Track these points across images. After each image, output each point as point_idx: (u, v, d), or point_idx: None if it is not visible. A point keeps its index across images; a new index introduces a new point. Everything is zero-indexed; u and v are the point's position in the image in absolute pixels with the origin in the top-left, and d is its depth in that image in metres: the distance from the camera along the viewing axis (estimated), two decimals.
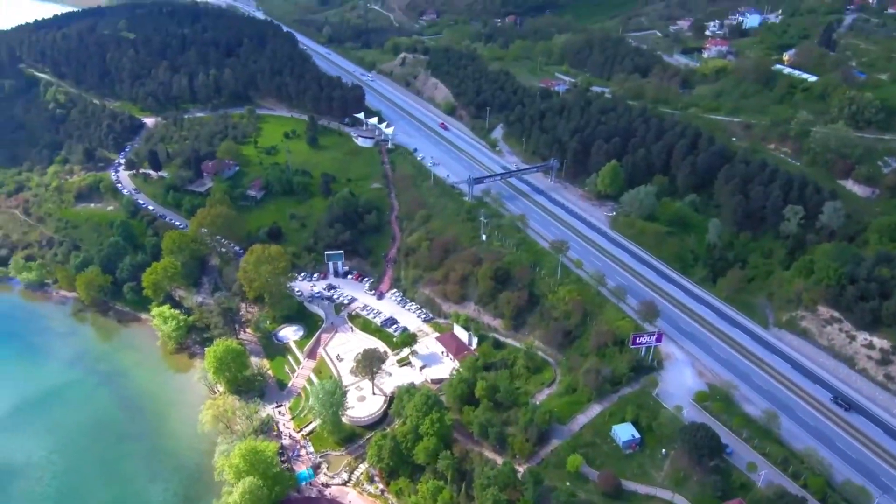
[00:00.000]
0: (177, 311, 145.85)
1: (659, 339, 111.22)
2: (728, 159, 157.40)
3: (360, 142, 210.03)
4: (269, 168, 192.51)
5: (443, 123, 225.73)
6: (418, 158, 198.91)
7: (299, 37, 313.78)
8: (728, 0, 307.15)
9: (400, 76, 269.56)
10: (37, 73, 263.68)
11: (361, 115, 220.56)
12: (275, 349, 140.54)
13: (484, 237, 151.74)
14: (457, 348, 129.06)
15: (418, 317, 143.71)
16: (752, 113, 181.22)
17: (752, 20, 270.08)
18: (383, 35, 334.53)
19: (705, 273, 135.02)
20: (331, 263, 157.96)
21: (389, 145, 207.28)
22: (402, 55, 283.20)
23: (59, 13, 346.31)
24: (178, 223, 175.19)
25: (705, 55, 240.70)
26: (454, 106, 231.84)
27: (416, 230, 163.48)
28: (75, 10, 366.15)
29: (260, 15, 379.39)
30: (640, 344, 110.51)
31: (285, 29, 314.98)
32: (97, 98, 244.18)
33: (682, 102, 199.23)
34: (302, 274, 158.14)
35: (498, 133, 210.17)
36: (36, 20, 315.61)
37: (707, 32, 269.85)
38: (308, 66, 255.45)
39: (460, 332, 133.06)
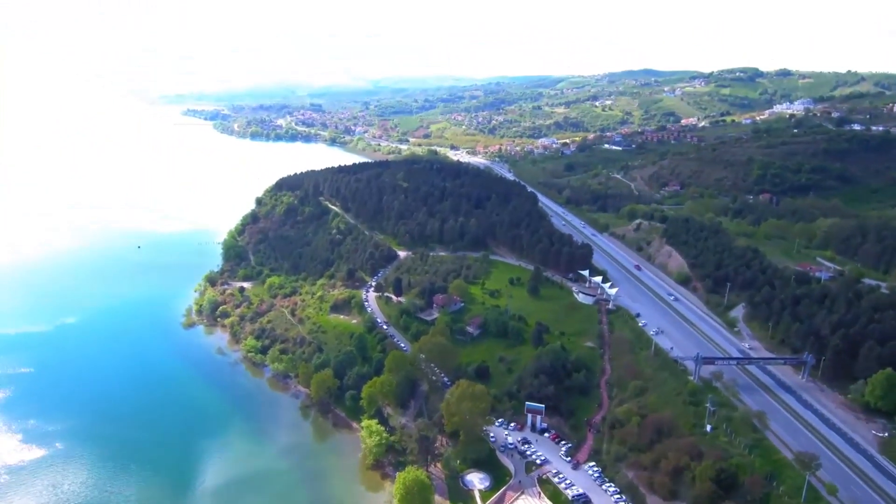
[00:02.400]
0: (382, 428, 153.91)
1: None
2: None
3: (580, 298, 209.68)
4: (490, 309, 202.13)
5: (637, 265, 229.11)
6: (640, 324, 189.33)
7: (541, 196, 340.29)
8: None
9: (632, 240, 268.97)
10: (329, 205, 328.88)
11: (586, 273, 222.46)
12: (458, 493, 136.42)
13: (709, 428, 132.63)
14: None
15: (616, 503, 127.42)
16: None
17: None
18: (621, 201, 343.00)
19: None
20: (530, 416, 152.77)
21: (610, 306, 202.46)
22: (637, 221, 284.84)
23: (356, 162, 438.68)
24: (402, 345, 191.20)
25: None
26: (688, 276, 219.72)
27: (626, 401, 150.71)
28: (368, 161, 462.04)
29: (510, 176, 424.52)
30: None
31: (529, 189, 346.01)
32: (367, 230, 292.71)
33: None
34: (499, 420, 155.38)
35: (738, 313, 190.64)
36: (339, 165, 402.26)
37: None
38: (543, 223, 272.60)
39: None
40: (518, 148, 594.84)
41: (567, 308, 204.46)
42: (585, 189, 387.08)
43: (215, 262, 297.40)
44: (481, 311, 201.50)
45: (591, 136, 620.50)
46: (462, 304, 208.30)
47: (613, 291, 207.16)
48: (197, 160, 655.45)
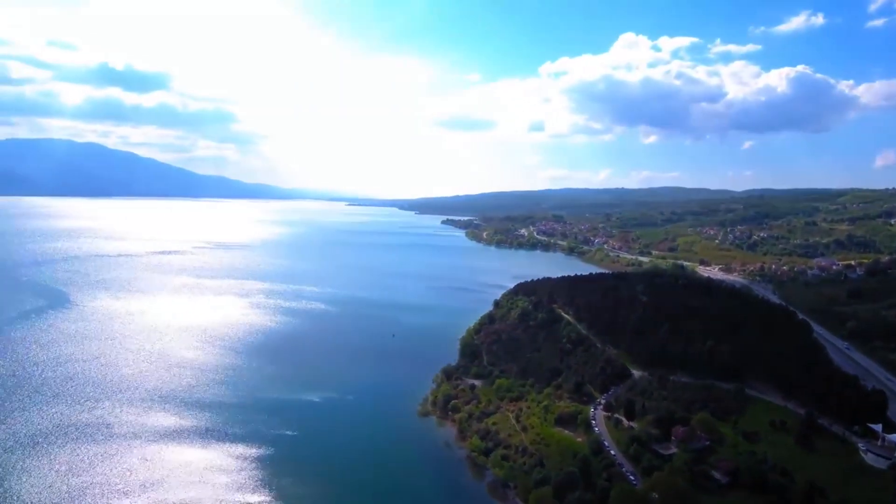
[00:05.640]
0: None
1: None
2: None
3: (868, 458, 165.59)
4: (744, 455, 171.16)
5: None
6: None
7: (815, 326, 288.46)
8: None
9: None
10: (562, 313, 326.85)
11: (878, 427, 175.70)
12: None
13: None
14: None
15: None
16: None
17: None
18: None
19: None
20: None
21: None
22: None
23: (593, 272, 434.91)
24: (631, 477, 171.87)
25: None
26: None
27: None
28: (606, 272, 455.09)
29: (774, 299, 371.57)
30: None
31: (800, 316, 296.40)
32: (600, 343, 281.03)
33: None
34: None
35: None
36: (575, 275, 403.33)
37: None
38: (818, 357, 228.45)
39: None
40: (785, 267, 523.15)
41: (849, 469, 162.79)
42: (878, 321, 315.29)
43: (453, 356, 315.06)
44: (732, 455, 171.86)
45: (885, 258, 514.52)
46: (708, 443, 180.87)
47: None
48: (448, 265, 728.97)
